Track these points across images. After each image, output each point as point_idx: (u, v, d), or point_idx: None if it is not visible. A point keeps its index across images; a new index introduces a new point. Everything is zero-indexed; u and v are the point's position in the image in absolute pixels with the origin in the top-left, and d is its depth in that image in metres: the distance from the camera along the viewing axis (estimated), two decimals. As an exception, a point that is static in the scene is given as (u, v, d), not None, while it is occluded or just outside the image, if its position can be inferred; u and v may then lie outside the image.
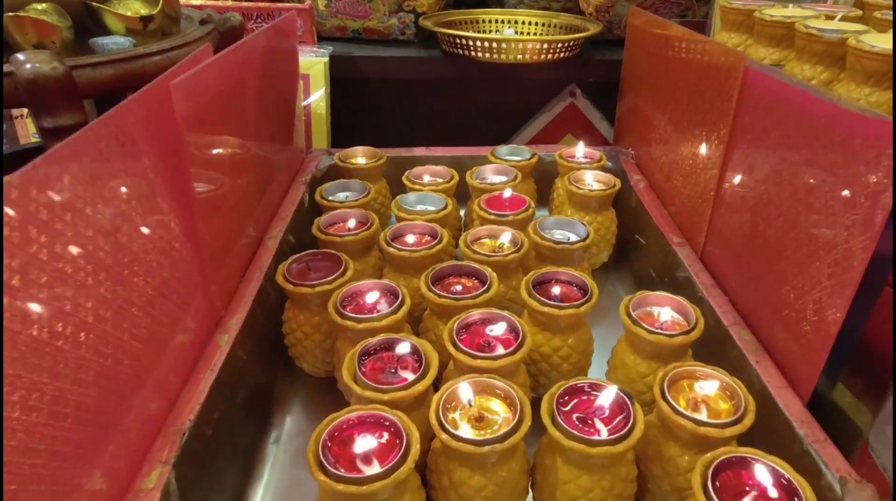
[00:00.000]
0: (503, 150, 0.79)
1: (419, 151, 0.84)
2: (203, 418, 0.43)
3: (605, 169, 0.74)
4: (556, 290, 0.52)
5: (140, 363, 0.38)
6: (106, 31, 0.57)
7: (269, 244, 0.64)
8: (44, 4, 0.52)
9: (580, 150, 0.76)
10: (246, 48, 0.59)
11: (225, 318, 0.53)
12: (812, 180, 0.43)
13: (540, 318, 0.51)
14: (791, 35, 0.54)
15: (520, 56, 0.82)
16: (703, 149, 0.59)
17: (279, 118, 0.75)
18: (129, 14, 0.57)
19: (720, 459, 0.36)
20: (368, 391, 0.42)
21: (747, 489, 0.35)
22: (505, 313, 0.49)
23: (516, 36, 0.88)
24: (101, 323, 0.34)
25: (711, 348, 0.50)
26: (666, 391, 0.41)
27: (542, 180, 0.80)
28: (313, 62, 0.84)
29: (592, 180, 0.70)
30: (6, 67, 0.45)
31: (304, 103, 0.85)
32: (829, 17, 0.55)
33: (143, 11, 0.58)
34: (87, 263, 0.33)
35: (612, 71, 0.88)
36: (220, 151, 0.53)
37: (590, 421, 0.40)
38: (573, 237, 0.60)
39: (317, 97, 0.85)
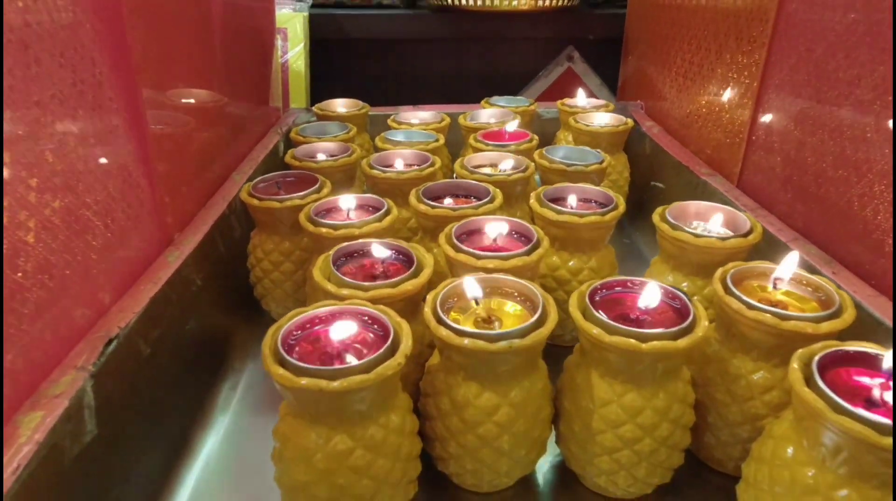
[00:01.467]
0: (499, 100, 0.72)
1: (405, 110, 0.76)
2: (138, 331, 0.33)
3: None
4: (572, 200, 0.44)
5: (63, 261, 0.30)
6: None
7: (236, 179, 0.55)
8: None
9: (582, 97, 0.69)
10: None
11: (178, 237, 0.43)
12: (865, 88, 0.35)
13: (555, 233, 0.42)
14: None
15: (514, 2, 0.76)
16: (732, 84, 0.52)
17: (253, 64, 0.68)
18: None
19: (825, 352, 0.27)
20: (346, 289, 0.32)
21: (865, 387, 0.26)
22: (513, 219, 0.40)
23: None
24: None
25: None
26: (732, 287, 0.32)
27: (543, 137, 0.73)
28: (291, 16, 0.77)
29: (600, 120, 0.62)
30: None
31: (281, 59, 0.78)
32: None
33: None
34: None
35: (612, 27, 0.83)
36: (175, 59, 0.45)
37: (634, 318, 0.31)
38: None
39: (294, 53, 0.78)
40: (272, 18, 0.74)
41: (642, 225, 0.64)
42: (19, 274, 0.27)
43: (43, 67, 0.29)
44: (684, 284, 0.40)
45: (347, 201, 0.43)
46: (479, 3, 0.76)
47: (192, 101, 0.49)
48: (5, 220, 0.26)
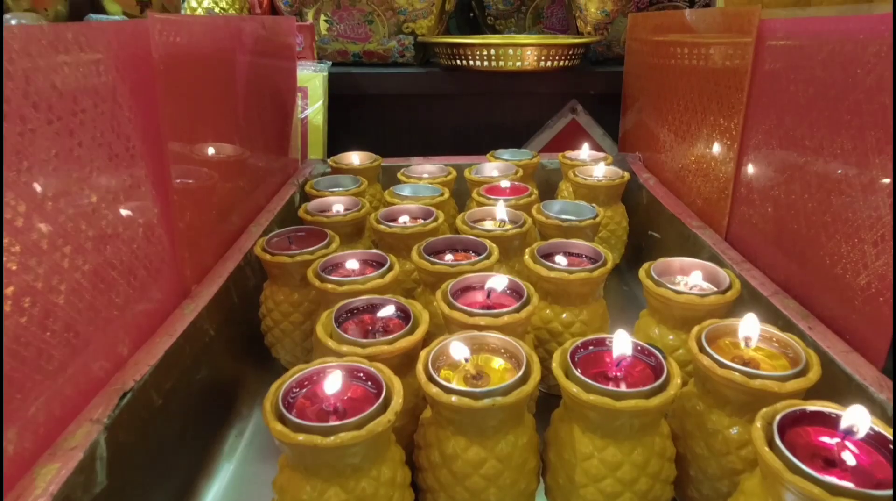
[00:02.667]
0: (504, 153, 0.75)
1: (416, 161, 0.80)
2: (152, 383, 0.36)
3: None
4: (563, 260, 0.46)
5: (84, 317, 0.33)
6: (103, 13, 0.57)
7: (253, 231, 0.59)
8: None
9: (584, 151, 0.73)
10: (238, 19, 0.58)
11: (195, 289, 0.47)
12: (844, 134, 0.38)
13: (547, 287, 0.44)
14: None
15: (518, 63, 0.81)
16: (717, 138, 0.55)
17: (273, 122, 0.73)
18: (123, -6, 0.56)
19: (786, 412, 0.28)
20: (346, 346, 0.35)
21: (826, 446, 0.27)
22: (502, 274, 0.42)
23: (514, 40, 0.87)
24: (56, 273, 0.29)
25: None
26: (705, 344, 0.34)
27: (545, 187, 0.76)
28: (312, 76, 0.82)
29: (599, 174, 0.65)
30: None
31: (301, 115, 0.83)
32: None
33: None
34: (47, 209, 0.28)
35: (612, 83, 0.86)
36: (202, 120, 0.50)
37: (612, 376, 0.33)
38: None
39: (314, 109, 0.83)
40: (294, 80, 0.79)
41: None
42: (48, 334, 0.30)
43: (84, 149, 0.33)
44: (670, 336, 0.42)
45: (353, 259, 0.46)
46: (487, 64, 0.81)
47: (216, 157, 0.53)
48: (40, 285, 0.30)
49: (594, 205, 0.57)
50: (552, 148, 0.94)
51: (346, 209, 0.59)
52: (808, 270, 0.43)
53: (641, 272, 0.43)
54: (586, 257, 0.47)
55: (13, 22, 0.45)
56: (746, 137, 0.50)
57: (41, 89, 0.30)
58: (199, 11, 0.88)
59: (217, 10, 0.87)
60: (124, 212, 0.37)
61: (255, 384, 0.50)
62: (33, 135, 0.29)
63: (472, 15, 1.22)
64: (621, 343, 0.33)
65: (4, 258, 0.27)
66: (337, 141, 0.87)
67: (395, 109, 0.91)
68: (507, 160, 0.71)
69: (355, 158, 0.74)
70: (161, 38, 0.41)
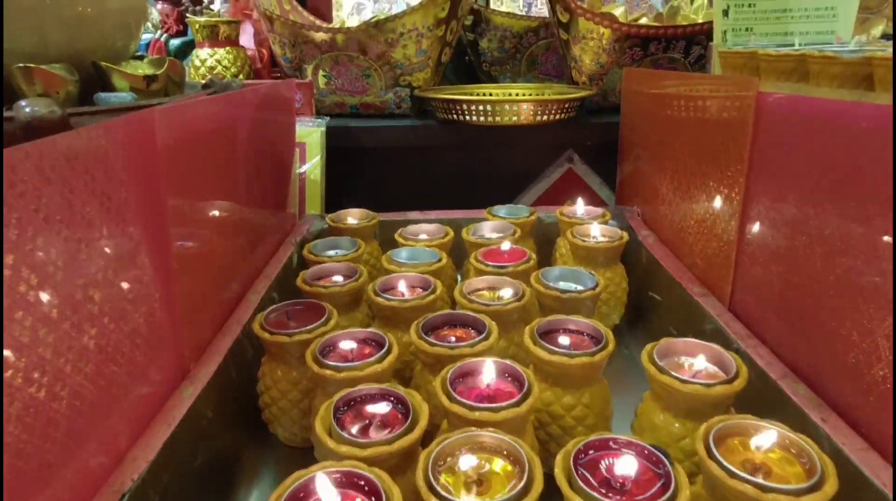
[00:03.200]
0: (501, 209, 0.76)
1: (414, 215, 0.80)
2: (150, 480, 0.36)
3: (610, 225, 0.70)
4: (564, 340, 0.46)
5: (84, 414, 0.32)
6: (112, 89, 0.57)
7: (251, 299, 0.58)
8: (57, 65, 0.53)
9: (581, 207, 0.73)
10: (239, 97, 0.59)
11: (194, 369, 0.46)
12: (848, 209, 0.38)
13: (548, 370, 0.44)
14: (802, 68, 0.52)
15: (514, 118, 0.81)
16: (718, 198, 0.56)
17: (272, 181, 0.73)
18: (132, 72, 0.57)
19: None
20: (345, 446, 0.34)
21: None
22: (507, 361, 0.42)
23: (510, 97, 0.88)
24: (53, 362, 0.28)
25: (759, 406, 0.42)
26: (713, 448, 0.34)
27: (543, 242, 0.76)
28: (310, 131, 0.83)
29: (598, 234, 0.65)
30: (8, 113, 0.46)
31: (299, 170, 0.83)
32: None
33: (148, 71, 0.58)
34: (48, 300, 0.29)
35: (609, 133, 0.87)
36: (203, 190, 0.50)
37: (616, 486, 0.32)
38: (580, 288, 0.55)
39: (312, 164, 0.83)
40: (293, 137, 0.80)
41: (640, 334, 0.66)
42: (48, 444, 0.30)
43: (95, 229, 0.33)
44: (675, 424, 0.41)
45: (351, 340, 0.46)
46: (483, 119, 0.82)
47: (216, 224, 0.53)
48: (42, 394, 0.29)
49: (593, 272, 0.57)
50: (549, 197, 0.95)
51: (344, 278, 0.58)
52: (819, 352, 0.42)
53: (644, 356, 0.43)
54: (587, 334, 0.47)
55: (27, 110, 0.46)
56: (749, 199, 0.50)
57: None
58: (203, 70, 0.89)
59: (219, 68, 0.89)
60: (123, 290, 0.37)
61: (253, 461, 0.50)
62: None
63: (467, 59, 1.24)
64: (625, 462, 0.33)
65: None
66: (334, 193, 0.88)
67: (393, 161, 0.92)
68: (504, 218, 0.71)
69: (352, 217, 0.74)
70: (165, 128, 0.42)
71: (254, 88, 0.62)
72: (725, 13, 0.74)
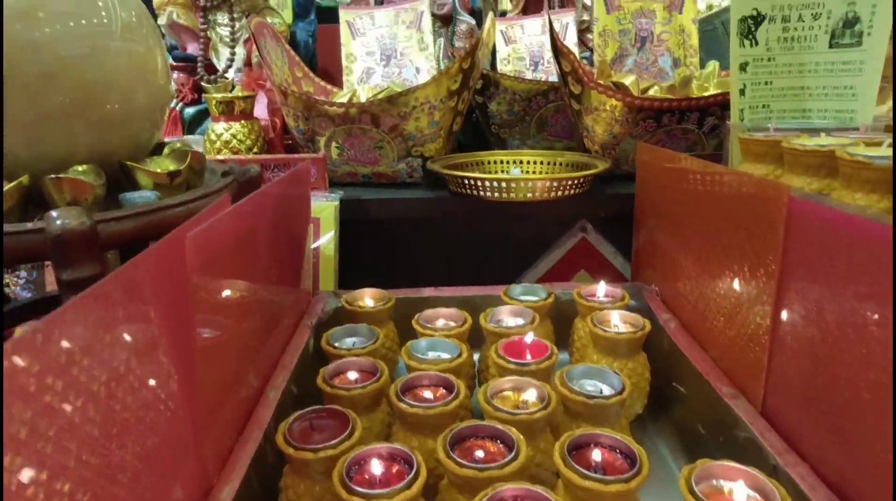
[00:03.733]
0: (517, 289, 0.75)
1: (428, 292, 0.80)
2: None
3: (629, 308, 0.70)
4: (596, 455, 0.45)
5: None
6: (136, 186, 0.58)
7: (270, 396, 0.57)
8: (84, 166, 0.54)
9: (601, 289, 0.72)
10: (261, 197, 0.59)
11: (217, 486, 0.45)
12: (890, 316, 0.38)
13: (579, 493, 0.43)
14: (829, 164, 0.52)
15: (529, 195, 0.82)
16: (746, 285, 0.55)
17: (288, 261, 0.73)
18: (157, 170, 0.58)
19: None
20: None
21: None
22: (540, 489, 0.41)
23: (524, 175, 0.88)
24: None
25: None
26: None
27: (560, 320, 0.76)
28: (324, 206, 0.83)
29: (618, 321, 0.65)
30: (37, 224, 0.48)
31: (313, 246, 0.83)
32: (872, 145, 0.53)
33: (172, 167, 0.59)
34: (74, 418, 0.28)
35: (623, 205, 0.87)
36: (228, 298, 0.50)
37: None
38: (606, 390, 0.54)
39: (326, 240, 0.83)
40: (308, 213, 0.80)
41: (665, 427, 0.65)
42: None
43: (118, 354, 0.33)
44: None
45: (378, 460, 0.45)
46: (497, 195, 0.82)
47: (235, 313, 0.52)
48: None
49: (615, 367, 0.56)
50: (563, 267, 0.94)
51: (363, 373, 0.58)
52: (870, 480, 0.41)
53: (682, 483, 0.41)
54: (620, 451, 0.46)
55: (58, 222, 0.47)
56: (782, 297, 0.49)
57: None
58: (218, 145, 0.90)
59: (234, 142, 0.89)
60: (146, 403, 0.36)
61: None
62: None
63: (474, 116, 1.26)
64: None
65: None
66: (348, 266, 0.88)
67: (406, 233, 0.92)
68: (522, 302, 0.71)
69: (368, 298, 0.74)
70: (195, 252, 0.42)
71: (276, 185, 0.62)
72: (742, 92, 0.74)
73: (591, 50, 1.47)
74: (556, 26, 1.35)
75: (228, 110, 0.89)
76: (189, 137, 1.01)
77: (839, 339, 0.43)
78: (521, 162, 1.00)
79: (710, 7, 4.15)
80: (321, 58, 1.36)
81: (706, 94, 0.93)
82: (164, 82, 0.66)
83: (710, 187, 0.61)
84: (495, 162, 1.00)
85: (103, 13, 0.57)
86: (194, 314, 0.42)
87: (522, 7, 1.42)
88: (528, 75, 1.34)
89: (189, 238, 0.41)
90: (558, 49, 0.90)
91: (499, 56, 1.36)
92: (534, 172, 0.99)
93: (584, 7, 1.44)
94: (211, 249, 0.45)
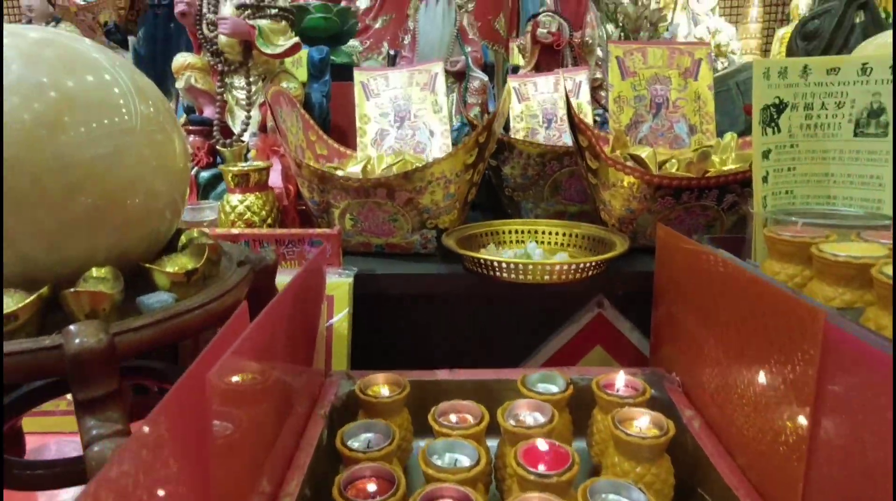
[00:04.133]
0: (534, 377, 0.73)
1: (442, 375, 0.78)
2: None
3: (650, 401, 0.68)
4: None
5: None
6: (153, 285, 0.57)
7: (284, 509, 0.56)
8: (102, 270, 0.53)
9: (620, 379, 0.70)
10: (277, 306, 0.58)
11: None
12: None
13: None
14: (862, 276, 0.51)
15: (546, 277, 0.80)
16: (776, 383, 0.52)
17: (302, 346, 0.72)
18: (175, 270, 0.57)
19: None
20: None
21: None
22: None
23: (541, 260, 0.87)
24: None
25: None
26: None
27: (577, 407, 0.73)
28: (338, 284, 0.82)
29: (641, 423, 0.63)
30: (55, 340, 0.47)
31: (326, 324, 0.82)
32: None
33: (189, 266, 0.58)
34: None
35: (641, 283, 0.86)
36: (245, 413, 0.49)
37: None
38: (633, 511, 0.52)
39: (339, 318, 0.82)
40: (322, 294, 0.79)
41: (692, 536, 0.62)
42: None
43: None
44: None
45: None
46: (513, 277, 0.81)
47: (250, 417, 0.51)
48: None
49: (637, 472, 0.54)
50: (579, 341, 0.92)
51: (382, 484, 0.56)
52: None
53: None
54: None
55: (77, 341, 0.47)
56: (819, 420, 0.47)
57: None
58: (233, 216, 0.90)
59: (249, 214, 0.89)
60: None
61: None
62: None
63: (487, 174, 1.25)
64: None
65: None
66: (360, 341, 0.86)
67: (419, 308, 0.91)
68: (540, 395, 0.69)
69: (382, 385, 0.72)
70: (215, 390, 0.41)
71: (291, 290, 0.61)
72: (765, 179, 0.73)
73: (605, 108, 1.48)
74: (569, 84, 1.36)
75: (243, 182, 0.89)
76: (205, 204, 1.01)
77: (884, 458, 0.40)
78: (536, 231, 0.99)
79: (717, 47, 4.17)
80: (335, 115, 1.37)
81: (725, 169, 0.92)
82: (184, 165, 0.66)
83: (737, 290, 0.60)
84: (511, 231, 0.99)
85: (124, 110, 0.56)
86: (211, 441, 0.41)
87: (535, 64, 1.43)
88: (541, 133, 1.34)
89: (208, 378, 0.40)
90: (575, 124, 0.90)
91: (512, 113, 1.36)
92: (549, 243, 0.98)
93: (598, 64, 1.44)
94: (230, 381, 0.44)
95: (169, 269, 0.58)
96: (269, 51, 1.10)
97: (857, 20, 1.02)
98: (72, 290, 0.50)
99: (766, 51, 4.95)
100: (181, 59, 1.13)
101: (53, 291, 0.51)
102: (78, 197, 0.51)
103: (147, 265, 0.57)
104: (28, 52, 0.52)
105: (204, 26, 1.14)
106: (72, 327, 0.47)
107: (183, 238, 0.68)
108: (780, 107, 0.72)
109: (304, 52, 1.32)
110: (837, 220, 0.70)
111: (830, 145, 0.73)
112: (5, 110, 0.48)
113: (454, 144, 1.22)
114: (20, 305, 0.49)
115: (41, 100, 0.50)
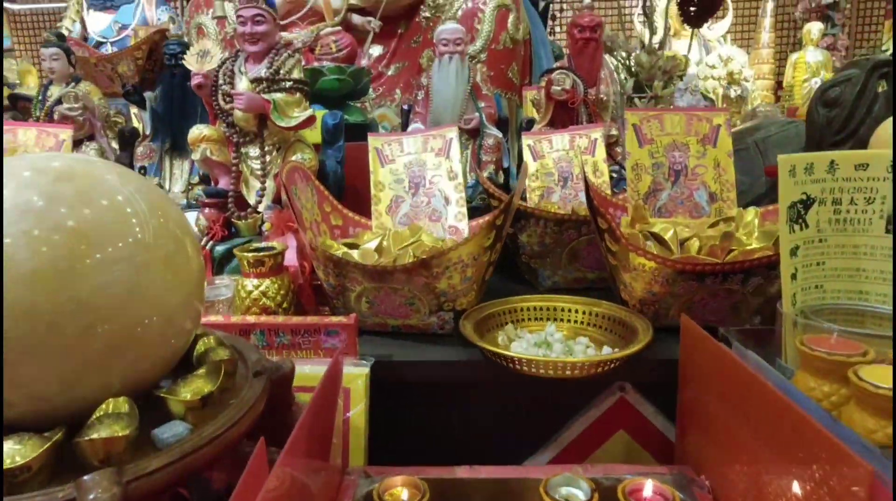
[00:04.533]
0: (557, 480, 0.71)
1: (462, 473, 0.76)
2: None
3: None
4: None
5: None
6: (168, 413, 0.56)
7: None
8: (118, 401, 0.52)
9: (648, 487, 0.68)
10: (299, 433, 0.56)
11: None
12: None
13: None
14: None
15: (567, 372, 0.78)
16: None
17: (320, 446, 0.70)
18: (190, 397, 0.56)
19: None
20: None
21: None
22: None
23: (561, 347, 0.85)
24: None
25: None
26: None
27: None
28: (355, 376, 0.81)
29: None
30: (68, 493, 0.46)
31: (342, 417, 0.80)
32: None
33: (206, 389, 0.57)
34: None
35: (665, 371, 0.83)
36: None
37: None
38: None
39: (356, 411, 0.81)
40: (340, 387, 0.77)
41: None
42: None
43: None
44: None
45: None
46: (532, 370, 0.79)
47: None
48: None
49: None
50: (600, 426, 0.90)
51: None
52: None
53: None
54: None
55: (91, 496, 0.46)
56: None
57: None
58: (248, 302, 0.89)
59: (264, 300, 0.88)
60: None
61: None
62: None
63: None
64: None
65: None
66: (377, 431, 0.84)
67: (437, 395, 0.89)
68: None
69: (402, 488, 0.70)
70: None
71: (310, 415, 0.60)
72: (794, 276, 0.71)
73: (620, 165, 1.46)
74: (584, 142, 1.34)
75: (258, 265, 0.89)
76: (220, 282, 1.00)
77: None
78: (554, 308, 0.97)
79: (730, 75, 4.11)
80: (349, 176, 1.37)
81: (750, 247, 0.90)
82: (198, 268, 0.64)
83: (771, 410, 0.57)
84: (529, 308, 0.97)
85: (142, 243, 0.55)
86: None
87: (550, 119, 1.42)
88: (557, 192, 1.33)
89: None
90: (595, 208, 0.88)
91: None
92: (570, 322, 0.96)
93: (613, 120, 1.43)
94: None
95: (184, 395, 0.57)
96: (283, 124, 1.10)
97: (880, 89, 1.00)
98: (86, 438, 0.49)
99: (778, 74, 4.93)
100: (196, 131, 1.14)
101: (68, 434, 0.50)
102: (94, 337, 0.50)
103: (162, 394, 0.56)
104: (48, 191, 0.51)
105: (220, 98, 1.15)
106: (85, 478, 0.46)
107: (200, 346, 0.67)
108: (807, 202, 0.70)
109: (318, 113, 1.32)
110: (872, 322, 0.67)
111: (861, 240, 0.71)
112: (23, 257, 0.48)
113: (468, 201, 1.21)
114: (34, 455, 0.48)
115: (57, 243, 0.49)
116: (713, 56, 3.86)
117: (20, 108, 3.11)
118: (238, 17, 1.13)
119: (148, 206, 0.58)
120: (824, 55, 4.26)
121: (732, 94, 3.75)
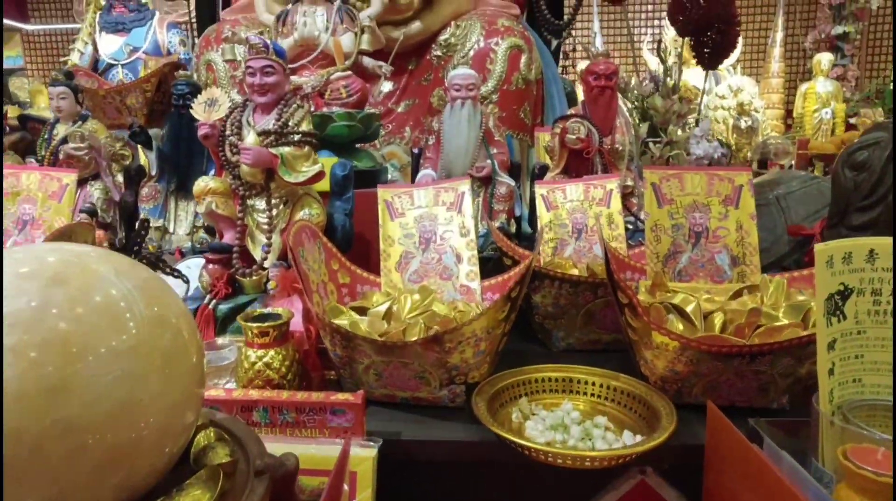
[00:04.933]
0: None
1: (476, 570, 0.71)
2: None
3: None
4: None
5: None
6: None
7: None
8: None
9: None
10: None
11: None
12: None
13: None
14: None
15: (587, 464, 0.74)
16: None
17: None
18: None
19: None
20: None
21: None
22: None
23: (578, 428, 0.81)
24: None
25: None
26: None
27: None
28: (362, 458, 0.77)
29: None
30: None
31: (346, 504, 0.76)
32: None
33: (205, 499, 0.53)
34: None
35: (688, 456, 0.78)
36: None
37: None
38: None
39: (363, 497, 0.76)
40: (346, 471, 0.73)
41: None
42: None
43: None
44: None
45: None
46: (549, 459, 0.74)
47: None
48: None
49: None
50: (620, 511, 0.85)
51: None
52: None
53: None
54: None
55: None
56: None
57: None
58: (251, 373, 0.85)
59: (268, 371, 0.85)
60: None
61: None
62: None
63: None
64: None
65: None
66: (385, 516, 0.80)
67: (448, 474, 0.84)
68: None
69: None
70: None
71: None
72: (831, 372, 0.67)
73: (636, 216, 1.43)
74: (599, 193, 1.31)
75: (263, 336, 0.85)
76: (224, 346, 0.97)
77: None
78: (569, 379, 0.93)
79: (740, 106, 4.11)
80: (358, 223, 1.34)
81: (779, 324, 0.85)
82: (196, 356, 0.61)
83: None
84: (544, 379, 0.93)
85: (134, 330, 0.52)
86: None
87: (564, 167, 1.39)
88: (571, 244, 1.29)
89: None
90: (615, 282, 0.84)
91: (539, 222, 1.32)
92: (586, 394, 0.91)
93: (628, 169, 1.40)
94: None
95: (183, 506, 0.53)
96: (291, 179, 1.07)
97: (910, 155, 0.96)
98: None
99: (788, 103, 4.90)
100: (202, 183, 1.11)
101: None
102: (82, 459, 0.47)
103: (161, 508, 0.52)
104: (39, 296, 0.48)
105: (227, 149, 1.12)
106: None
107: (201, 439, 0.63)
108: (845, 293, 0.66)
109: (326, 161, 1.30)
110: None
111: (903, 334, 0.67)
112: (9, 375, 0.44)
113: (479, 250, 1.17)
114: None
115: (45, 356, 0.46)
116: (723, 86, 3.84)
117: (30, 128, 3.10)
118: (247, 68, 1.11)
119: (145, 302, 0.54)
120: (834, 86, 4.23)
121: (743, 125, 3.72)
